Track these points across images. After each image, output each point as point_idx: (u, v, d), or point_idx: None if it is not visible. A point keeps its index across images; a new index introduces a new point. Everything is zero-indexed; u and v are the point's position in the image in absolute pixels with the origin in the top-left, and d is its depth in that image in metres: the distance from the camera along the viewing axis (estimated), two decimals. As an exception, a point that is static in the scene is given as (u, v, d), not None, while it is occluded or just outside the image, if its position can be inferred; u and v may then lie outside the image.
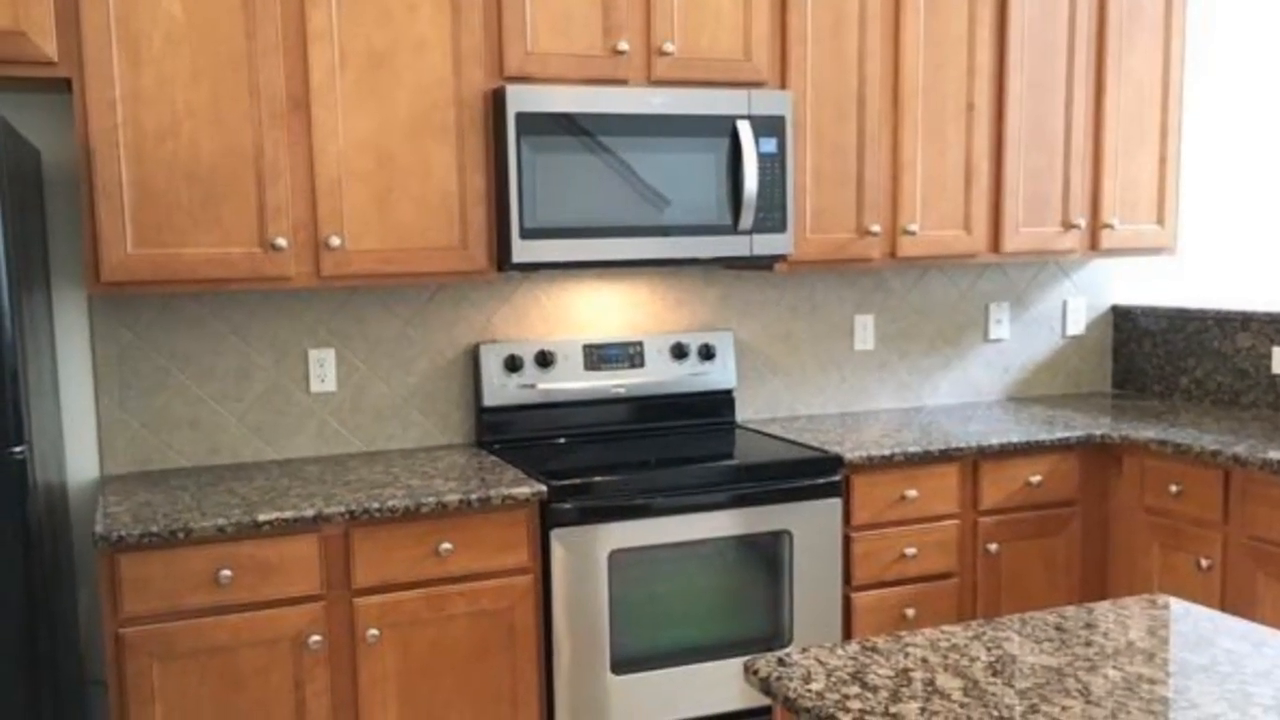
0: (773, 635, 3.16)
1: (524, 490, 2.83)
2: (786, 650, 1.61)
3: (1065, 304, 4.24)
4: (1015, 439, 3.39)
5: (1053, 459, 3.46)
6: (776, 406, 3.86)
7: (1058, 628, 1.69)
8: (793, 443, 3.39)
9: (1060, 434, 3.45)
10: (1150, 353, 4.20)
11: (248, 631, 2.67)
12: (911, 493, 3.29)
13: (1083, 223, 3.79)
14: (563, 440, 3.47)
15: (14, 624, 2.36)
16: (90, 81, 2.71)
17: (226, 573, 2.61)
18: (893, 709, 1.43)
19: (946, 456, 3.29)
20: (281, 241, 2.87)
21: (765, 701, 3.19)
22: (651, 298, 3.63)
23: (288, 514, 2.66)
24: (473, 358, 3.43)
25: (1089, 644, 1.62)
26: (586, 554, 2.93)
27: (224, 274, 2.86)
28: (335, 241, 2.90)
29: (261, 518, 2.64)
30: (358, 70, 2.92)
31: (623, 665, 2.99)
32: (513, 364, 3.39)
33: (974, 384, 4.12)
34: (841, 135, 3.45)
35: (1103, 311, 4.31)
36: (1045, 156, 3.73)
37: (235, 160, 2.86)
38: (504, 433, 3.43)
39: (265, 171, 2.87)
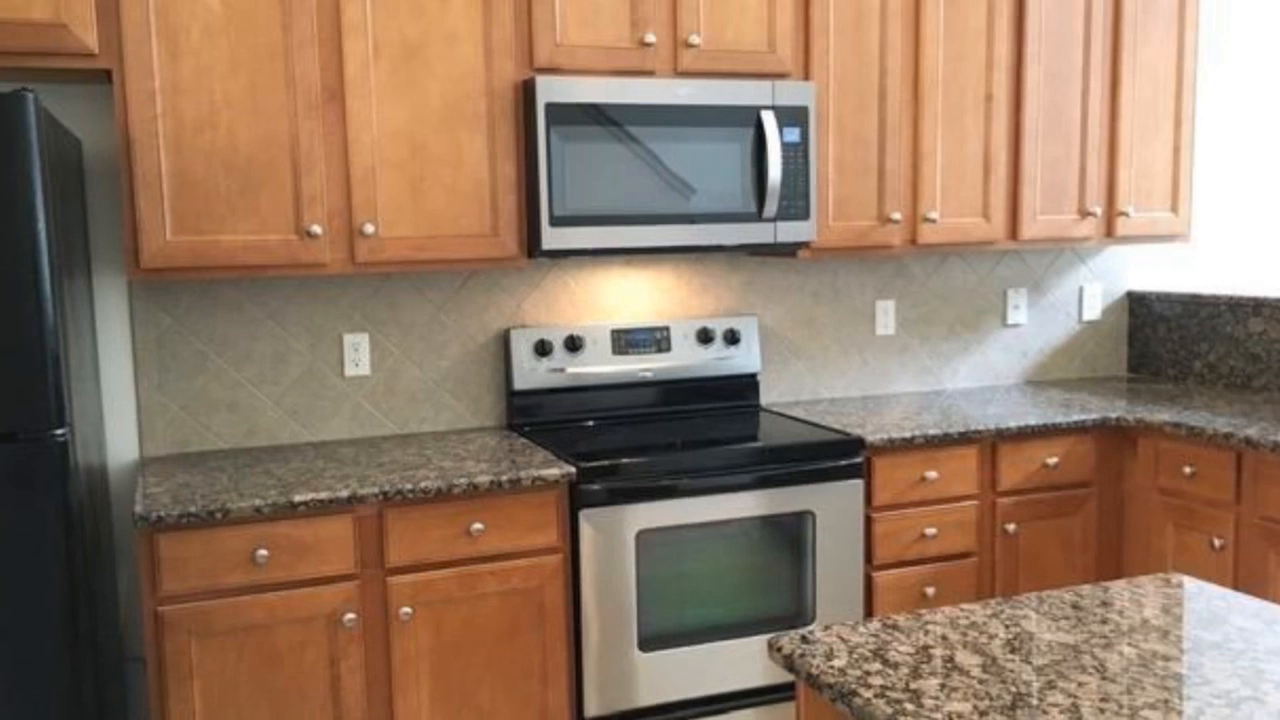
0: (796, 613, 3.08)
1: (553, 471, 2.75)
2: (809, 628, 1.53)
3: (1081, 290, 4.13)
4: (1033, 422, 3.29)
5: (1069, 441, 3.36)
6: (799, 390, 3.76)
7: (1074, 606, 1.65)
8: (815, 425, 3.30)
9: (1076, 416, 3.35)
10: (1165, 337, 4.09)
11: (284, 610, 2.60)
12: (931, 474, 3.20)
13: (1099, 210, 3.68)
14: (591, 423, 3.39)
15: (56, 602, 2.31)
16: (130, 73, 2.65)
17: (263, 552, 2.54)
18: (913, 685, 1.39)
19: (966, 439, 3.20)
20: (317, 229, 2.79)
21: (789, 678, 3.11)
22: (678, 284, 3.55)
23: (323, 495, 2.59)
24: (503, 342, 3.36)
25: (1105, 621, 1.58)
26: (614, 534, 2.86)
27: (261, 261, 2.79)
28: (369, 229, 2.83)
29: (297, 498, 2.57)
30: (391, 62, 2.85)
31: (650, 642, 2.91)
32: (542, 348, 3.32)
33: (992, 368, 4.02)
34: (863, 125, 3.35)
35: (1118, 297, 4.20)
36: (1062, 146, 3.62)
37: (272, 150, 2.79)
38: (534, 415, 3.35)
39: (301, 161, 2.80)
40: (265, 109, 2.78)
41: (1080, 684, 1.37)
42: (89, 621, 2.44)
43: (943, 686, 1.39)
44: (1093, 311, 4.16)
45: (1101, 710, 1.31)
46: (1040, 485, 3.37)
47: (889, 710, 1.34)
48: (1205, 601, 1.63)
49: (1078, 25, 3.63)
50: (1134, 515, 3.46)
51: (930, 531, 3.23)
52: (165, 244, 2.72)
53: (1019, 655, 1.47)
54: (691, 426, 3.37)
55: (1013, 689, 1.37)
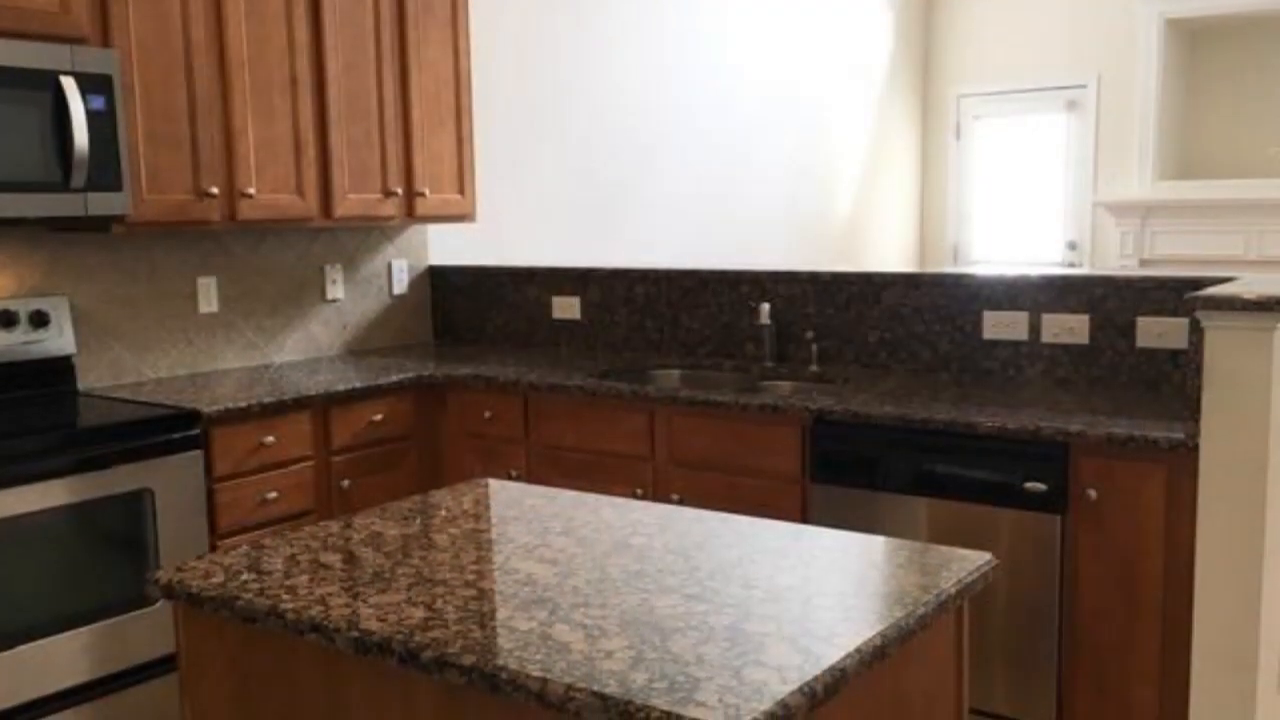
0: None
1: None
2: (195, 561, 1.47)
3: (390, 265, 3.99)
4: (358, 385, 3.18)
5: (391, 400, 3.25)
6: (121, 373, 3.27)
7: (410, 510, 1.81)
8: (145, 403, 2.87)
9: (395, 378, 3.25)
10: (462, 306, 4.06)
11: None
12: (269, 439, 2.94)
13: (400, 191, 3.55)
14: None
15: None
16: None
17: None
18: (287, 582, 1.48)
19: (299, 405, 3.00)
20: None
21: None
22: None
23: None
24: None
25: (433, 517, 1.76)
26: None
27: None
28: None
29: None
30: None
31: None
32: None
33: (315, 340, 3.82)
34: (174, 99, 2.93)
35: (421, 271, 4.10)
36: (363, 129, 3.47)
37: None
38: None
39: None
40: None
41: (422, 558, 1.55)
42: None
43: (311, 579, 1.49)
44: (401, 285, 4.06)
45: (438, 569, 1.51)
46: (368, 441, 3.22)
47: (267, 603, 1.47)
48: (506, 494, 1.88)
49: (369, 23, 3.47)
50: (450, 460, 3.35)
51: (271, 495, 2.97)
52: None
53: (372, 547, 1.62)
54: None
55: (371, 570, 1.53)
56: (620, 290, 3.85)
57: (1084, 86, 6.92)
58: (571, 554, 1.59)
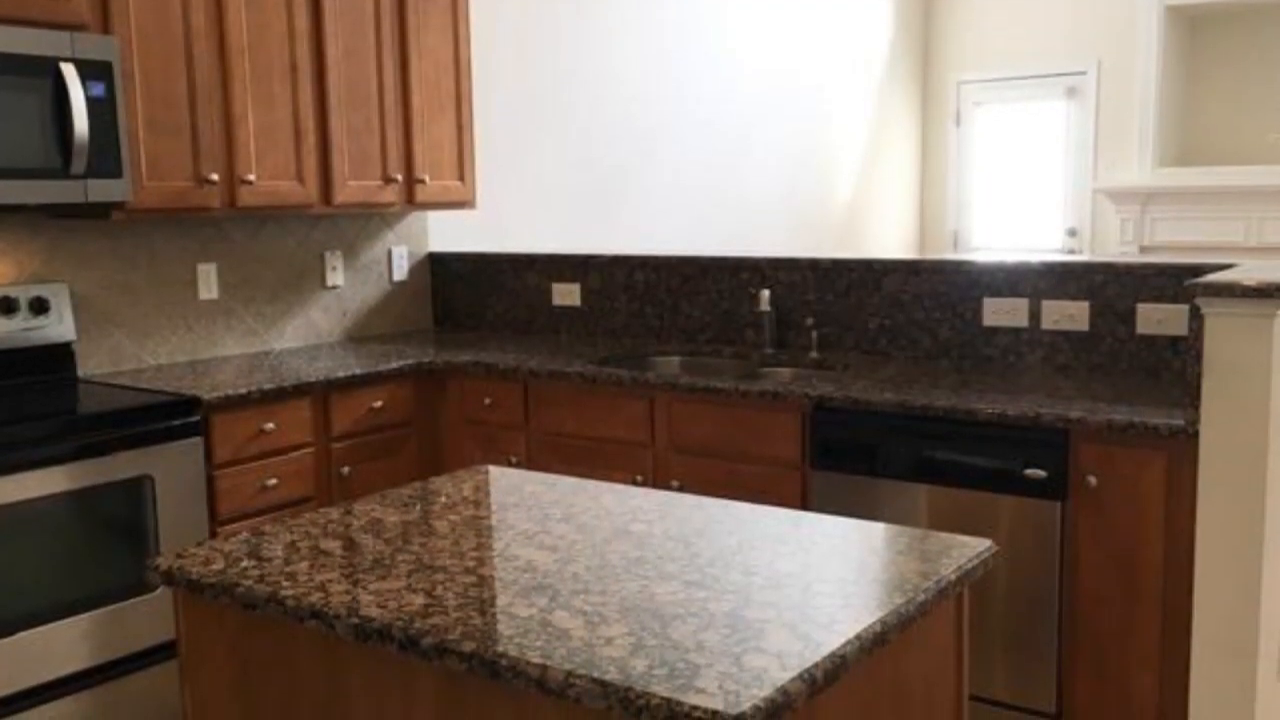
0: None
1: None
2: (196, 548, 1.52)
3: (390, 252, 3.98)
4: (358, 371, 3.15)
5: (391, 387, 3.25)
6: (121, 359, 3.26)
7: (410, 497, 1.80)
8: (146, 390, 2.90)
9: (395, 364, 3.24)
10: (462, 293, 4.05)
11: None
12: (269, 426, 2.94)
13: (400, 177, 3.54)
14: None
15: None
16: None
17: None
18: (287, 569, 1.48)
19: (299, 392, 2.99)
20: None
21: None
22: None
23: None
24: None
25: (433, 503, 1.76)
26: None
27: None
28: None
29: None
30: None
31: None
32: None
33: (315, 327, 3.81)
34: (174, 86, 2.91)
35: (421, 258, 4.08)
36: (363, 116, 3.44)
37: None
38: None
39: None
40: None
41: (421, 545, 1.54)
42: None
43: (311, 565, 1.48)
44: (401, 272, 4.06)
45: (437, 555, 1.51)
46: (368, 428, 3.21)
47: (267, 590, 1.46)
48: (506, 480, 1.87)
49: (369, 7, 3.45)
50: (450, 446, 3.35)
51: (271, 482, 2.98)
52: None
53: (372, 534, 1.61)
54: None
55: (370, 556, 1.53)
56: (620, 277, 3.84)
57: (1084, 73, 6.89)
58: (571, 541, 1.59)
